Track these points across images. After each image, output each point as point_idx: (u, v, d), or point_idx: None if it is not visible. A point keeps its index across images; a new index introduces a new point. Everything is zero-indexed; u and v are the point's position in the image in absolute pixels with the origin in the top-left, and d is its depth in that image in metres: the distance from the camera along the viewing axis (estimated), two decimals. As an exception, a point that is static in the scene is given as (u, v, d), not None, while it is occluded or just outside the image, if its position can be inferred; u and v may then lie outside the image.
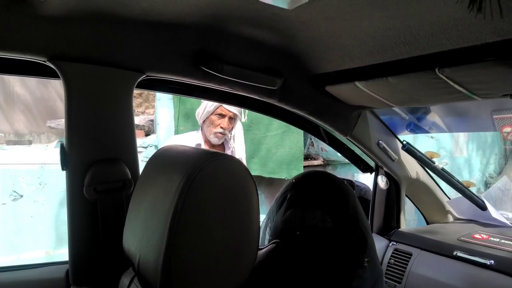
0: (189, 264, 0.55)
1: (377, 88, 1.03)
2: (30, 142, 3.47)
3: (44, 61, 0.81)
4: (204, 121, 2.06)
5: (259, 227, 0.62)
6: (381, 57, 0.92)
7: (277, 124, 3.27)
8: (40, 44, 0.79)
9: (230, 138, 2.11)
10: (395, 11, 0.74)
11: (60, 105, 5.39)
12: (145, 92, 5.31)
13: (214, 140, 2.04)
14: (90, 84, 0.85)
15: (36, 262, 1.06)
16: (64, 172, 0.88)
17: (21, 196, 2.96)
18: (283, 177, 3.31)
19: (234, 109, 2.01)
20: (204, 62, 0.95)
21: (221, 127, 2.02)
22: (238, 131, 2.16)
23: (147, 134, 3.64)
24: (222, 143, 2.11)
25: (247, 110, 2.23)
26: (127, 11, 0.82)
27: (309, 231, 0.72)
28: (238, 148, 2.15)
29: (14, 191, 2.94)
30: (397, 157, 1.44)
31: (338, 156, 3.58)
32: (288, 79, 1.10)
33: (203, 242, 0.56)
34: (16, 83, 4.73)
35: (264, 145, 3.30)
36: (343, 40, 0.91)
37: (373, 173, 1.55)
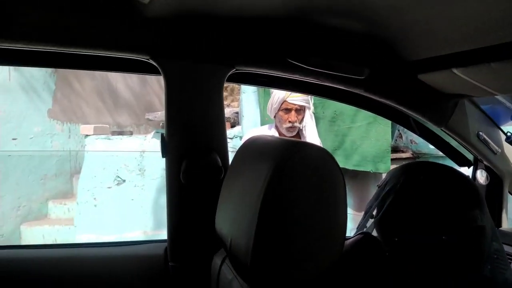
0: (279, 247, 0.58)
1: (478, 74, 0.95)
2: (131, 133, 3.83)
3: (147, 59, 0.90)
4: (274, 116, 2.09)
5: (346, 217, 0.63)
6: (483, 41, 0.85)
7: (362, 115, 3.16)
8: (144, 43, 0.87)
9: (302, 129, 2.10)
10: (500, -11, 0.67)
11: (156, 100, 5.85)
12: (230, 86, 5.52)
13: (287, 134, 2.05)
14: (186, 79, 0.92)
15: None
16: (162, 160, 0.97)
17: (124, 180, 3.30)
18: (368, 170, 3.20)
19: (299, 101, 1.99)
20: (290, 54, 0.97)
21: (289, 121, 2.02)
22: (308, 121, 2.13)
23: (232, 126, 3.79)
24: (298, 133, 2.11)
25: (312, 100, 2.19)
26: (219, 10, 0.86)
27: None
28: (310, 139, 2.13)
29: (118, 176, 3.28)
30: (500, 150, 1.32)
31: (430, 149, 3.35)
32: (376, 68, 1.06)
33: (290, 229, 0.58)
34: (119, 80, 5.24)
35: (348, 137, 3.22)
36: (439, 25, 0.85)
37: (471, 167, 1.44)
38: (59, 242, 3.62)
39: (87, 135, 3.57)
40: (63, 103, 4.37)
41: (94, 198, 3.32)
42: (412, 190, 0.72)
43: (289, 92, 2.00)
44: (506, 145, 1.33)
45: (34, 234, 3.76)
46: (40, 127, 4.06)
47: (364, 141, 3.21)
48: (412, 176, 0.74)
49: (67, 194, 4.27)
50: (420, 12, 0.81)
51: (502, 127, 1.34)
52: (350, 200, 3.27)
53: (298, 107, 2.02)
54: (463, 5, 0.75)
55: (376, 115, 1.36)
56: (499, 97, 1.29)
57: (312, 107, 2.18)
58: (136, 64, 0.96)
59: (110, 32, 0.84)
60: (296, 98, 1.99)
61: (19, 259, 1.06)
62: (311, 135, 2.14)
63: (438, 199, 0.70)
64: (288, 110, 2.02)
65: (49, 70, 4.16)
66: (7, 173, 3.71)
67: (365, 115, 3.14)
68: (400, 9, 0.82)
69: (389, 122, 3.19)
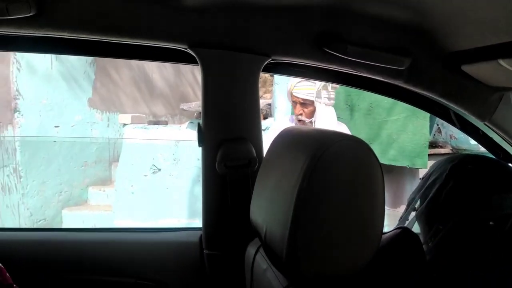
0: (313, 239, 0.58)
1: None
2: (166, 123, 3.92)
3: (185, 49, 0.91)
4: None
5: (384, 211, 0.61)
6: None
7: (399, 108, 3.08)
8: (182, 33, 0.88)
9: (313, 123, 2.01)
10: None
11: (190, 91, 5.94)
12: (263, 77, 5.51)
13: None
14: (223, 68, 0.93)
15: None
16: (196, 149, 0.98)
17: (159, 169, 3.38)
18: (405, 165, 3.12)
19: (302, 95, 1.92)
20: (327, 43, 0.95)
21: (296, 114, 1.97)
22: (319, 115, 2.00)
23: (265, 117, 3.79)
24: None
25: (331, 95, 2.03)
26: None
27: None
28: None
29: (154, 165, 3.37)
30: (547, 147, 1.24)
31: (471, 144, 3.22)
32: (417, 58, 1.02)
33: (327, 220, 0.58)
34: (154, 70, 5.35)
35: (384, 131, 3.15)
36: (486, 13, 0.81)
37: (515, 164, 1.37)
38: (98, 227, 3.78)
39: (125, 124, 3.69)
40: (102, 93, 4.52)
41: (131, 186, 3.43)
42: (459, 178, 0.72)
43: (295, 84, 1.94)
44: (555, 141, 1.26)
45: (75, 219, 3.94)
46: (81, 116, 4.23)
47: (400, 135, 3.12)
48: (459, 166, 0.74)
49: (106, 181, 4.44)
50: (467, -1, 0.78)
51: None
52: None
53: (302, 100, 1.94)
54: (515, -8, 0.71)
55: (413, 108, 1.31)
56: (549, 90, 1.21)
57: (324, 100, 2.01)
58: (174, 53, 0.98)
59: (150, 22, 0.86)
60: (299, 91, 1.92)
61: (60, 241, 1.12)
62: None
63: (486, 186, 0.70)
64: (295, 103, 1.97)
65: (89, 59, 4.30)
66: (50, 160, 3.90)
67: (402, 108, 3.06)
68: (446, -4, 0.79)
69: (427, 116, 3.08)
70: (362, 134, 3.06)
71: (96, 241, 1.12)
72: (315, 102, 1.97)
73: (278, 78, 3.46)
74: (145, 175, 3.40)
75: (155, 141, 3.41)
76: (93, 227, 3.76)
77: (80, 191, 4.19)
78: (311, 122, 2.00)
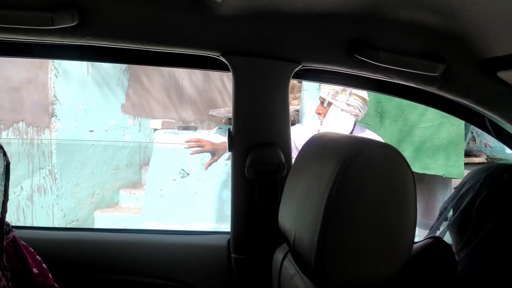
0: (343, 245, 0.57)
1: None
2: (195, 128, 3.98)
3: (218, 56, 0.93)
4: None
5: (415, 219, 0.60)
6: None
7: (431, 115, 3.00)
8: (216, 41, 0.91)
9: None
10: None
11: (219, 97, 6.01)
12: (291, 84, 5.50)
13: None
14: (254, 75, 0.95)
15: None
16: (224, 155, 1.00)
17: (188, 174, 3.44)
18: (440, 174, 3.03)
19: (322, 93, 1.90)
20: (358, 50, 0.95)
21: (316, 112, 1.96)
22: (331, 118, 1.89)
23: (292, 124, 3.78)
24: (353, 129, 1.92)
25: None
26: (289, 6, 0.87)
27: None
28: None
29: (183, 170, 3.43)
30: None
31: (507, 153, 3.09)
32: (451, 64, 1.00)
33: (357, 226, 0.57)
34: (184, 77, 5.45)
35: (416, 137, 3.08)
36: None
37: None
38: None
39: (155, 129, 3.77)
40: (134, 99, 4.65)
41: (161, 189, 3.50)
42: (493, 187, 0.70)
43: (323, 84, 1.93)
44: None
45: (106, 220, 4.05)
46: (114, 121, 4.37)
47: (434, 142, 3.05)
48: (494, 175, 0.72)
49: (136, 184, 4.54)
50: (504, 4, 0.76)
51: None
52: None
53: (322, 100, 1.93)
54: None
55: (448, 115, 1.28)
56: None
57: (341, 104, 1.88)
58: (206, 60, 1.00)
59: (185, 31, 0.89)
60: (323, 90, 1.91)
61: (92, 241, 1.15)
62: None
63: None
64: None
65: (123, 67, 4.44)
66: (84, 163, 4.03)
67: (434, 115, 2.98)
68: (480, 2, 0.77)
69: (462, 123, 3.00)
70: (393, 141, 3.00)
71: (127, 242, 1.15)
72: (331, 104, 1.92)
73: (306, 85, 3.45)
74: (174, 179, 3.45)
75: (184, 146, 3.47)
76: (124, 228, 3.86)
77: (111, 193, 4.31)
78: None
